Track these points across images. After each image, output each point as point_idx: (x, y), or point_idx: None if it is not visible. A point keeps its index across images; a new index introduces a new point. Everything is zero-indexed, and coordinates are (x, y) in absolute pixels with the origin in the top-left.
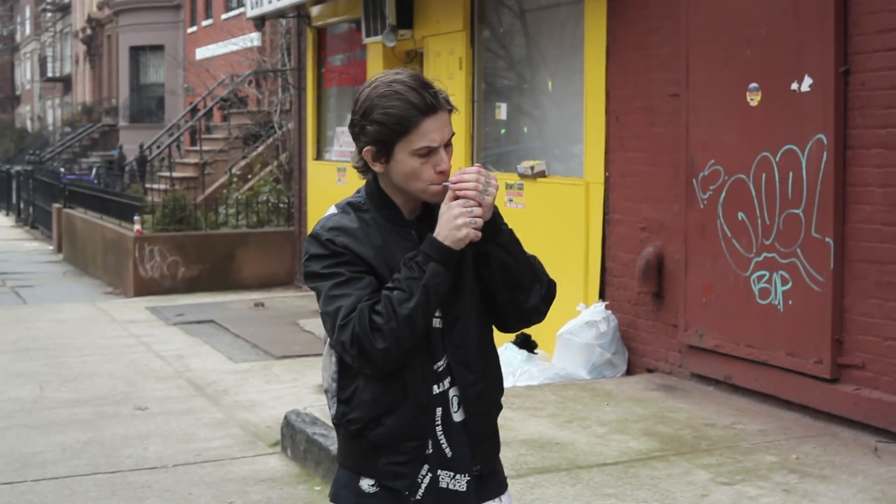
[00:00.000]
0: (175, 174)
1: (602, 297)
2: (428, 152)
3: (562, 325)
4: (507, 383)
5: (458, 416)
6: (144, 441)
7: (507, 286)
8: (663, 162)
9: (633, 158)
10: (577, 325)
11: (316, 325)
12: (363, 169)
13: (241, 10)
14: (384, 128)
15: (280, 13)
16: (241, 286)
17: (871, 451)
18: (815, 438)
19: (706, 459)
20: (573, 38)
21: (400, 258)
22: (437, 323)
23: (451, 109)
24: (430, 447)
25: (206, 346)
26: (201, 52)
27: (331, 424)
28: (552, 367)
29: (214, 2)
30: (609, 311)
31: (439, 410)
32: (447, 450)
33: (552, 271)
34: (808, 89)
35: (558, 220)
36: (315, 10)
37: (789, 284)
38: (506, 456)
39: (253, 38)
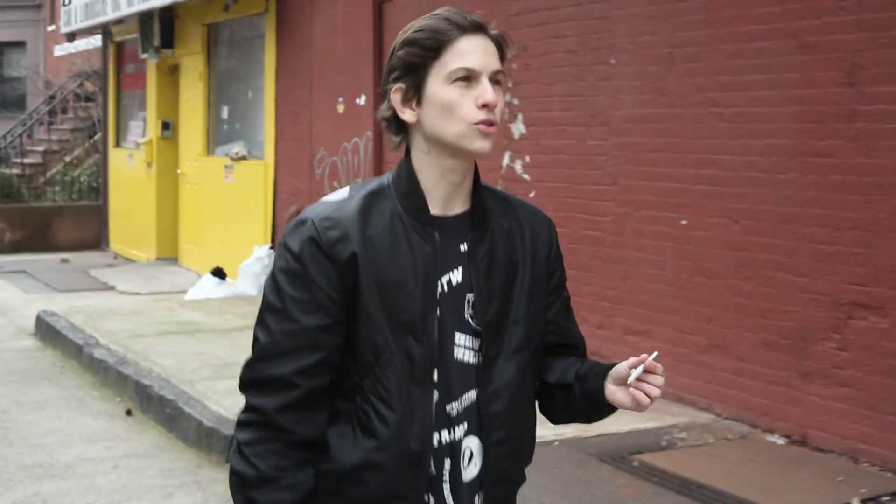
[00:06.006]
0: (26, 160)
1: (272, 241)
2: (467, 79)
3: (243, 260)
4: (199, 296)
5: (468, 474)
6: None
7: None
8: (301, 149)
9: (288, 146)
10: (251, 260)
11: (101, 273)
12: (391, 124)
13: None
14: (414, 47)
15: (88, 30)
16: (57, 248)
17: None
18: None
19: None
20: (260, 63)
21: (410, 267)
22: (470, 357)
23: (499, 41)
24: None
25: (11, 285)
26: (59, 50)
27: (61, 313)
28: (235, 288)
29: None
30: (272, 250)
31: (447, 462)
32: None
33: (245, 228)
34: (363, 103)
35: (251, 189)
36: (115, 29)
37: None
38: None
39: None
